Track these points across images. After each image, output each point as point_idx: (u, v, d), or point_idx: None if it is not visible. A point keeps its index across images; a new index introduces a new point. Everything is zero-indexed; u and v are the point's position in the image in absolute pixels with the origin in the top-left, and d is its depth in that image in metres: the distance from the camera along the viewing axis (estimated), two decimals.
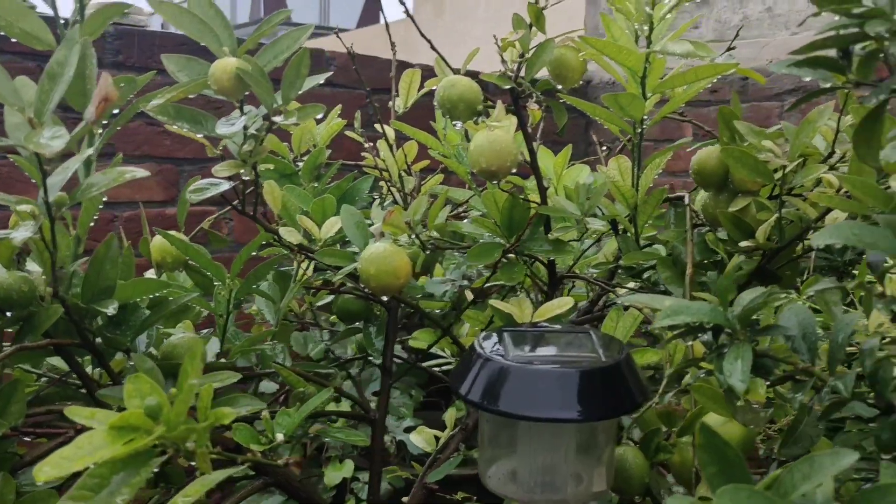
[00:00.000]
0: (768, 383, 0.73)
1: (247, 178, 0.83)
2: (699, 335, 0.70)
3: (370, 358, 1.12)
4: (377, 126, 1.11)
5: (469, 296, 1.15)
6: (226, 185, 0.83)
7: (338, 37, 1.27)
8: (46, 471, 0.56)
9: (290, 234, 0.92)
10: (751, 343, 0.66)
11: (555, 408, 0.75)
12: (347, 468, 2.04)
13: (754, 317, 0.71)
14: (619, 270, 1.10)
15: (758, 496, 0.49)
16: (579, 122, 2.93)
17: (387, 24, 1.17)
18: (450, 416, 1.24)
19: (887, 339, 0.71)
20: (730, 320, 0.67)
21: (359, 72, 1.23)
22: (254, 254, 1.00)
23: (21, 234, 0.73)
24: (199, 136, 0.80)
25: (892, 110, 0.67)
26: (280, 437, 0.82)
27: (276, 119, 0.77)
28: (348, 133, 1.23)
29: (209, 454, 0.65)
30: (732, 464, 0.53)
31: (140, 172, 0.71)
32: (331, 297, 1.19)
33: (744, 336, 0.67)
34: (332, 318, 1.19)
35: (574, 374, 0.76)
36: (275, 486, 0.95)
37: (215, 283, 0.98)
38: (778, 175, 0.93)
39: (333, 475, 2.04)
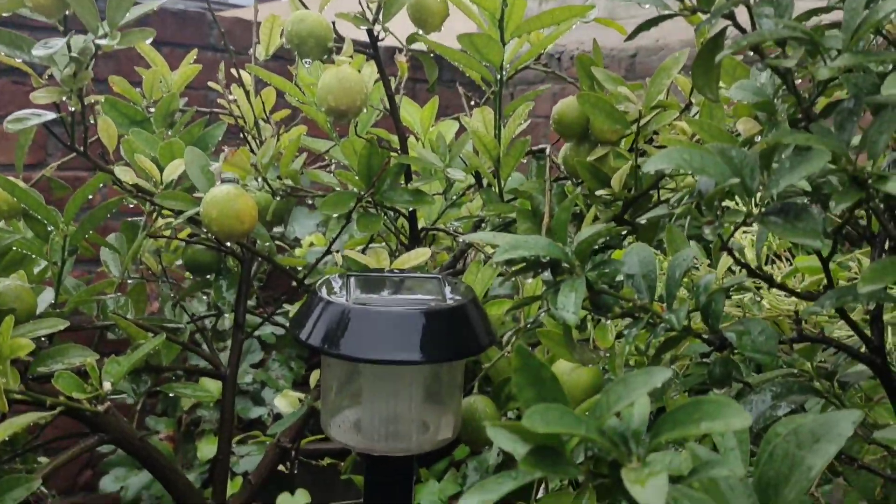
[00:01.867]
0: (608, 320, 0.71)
1: (73, 110, 0.77)
2: (539, 272, 0.68)
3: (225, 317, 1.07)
4: (233, 70, 1.06)
5: (339, 258, 1.12)
6: (49, 116, 0.77)
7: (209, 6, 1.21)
8: None
9: (124, 174, 0.86)
10: (585, 276, 0.64)
11: (397, 350, 0.72)
12: None
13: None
14: (484, 224, 1.08)
15: (569, 416, 0.47)
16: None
17: None
18: (314, 376, 1.21)
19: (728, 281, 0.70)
20: (567, 255, 0.65)
21: (217, 23, 1.17)
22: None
23: None
24: (18, 60, 0.74)
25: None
26: (107, 385, 0.77)
27: (101, 42, 0.72)
28: (211, 84, 1.17)
29: (8, 393, 0.59)
30: (549, 387, 0.51)
31: None
32: None
33: (581, 271, 0.65)
34: (187, 274, 1.14)
35: (417, 315, 0.73)
36: (112, 443, 0.89)
37: (49, 230, 0.92)
38: (635, 125, 0.92)
39: (207, 449, 1.98)
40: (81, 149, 0.83)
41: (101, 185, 0.91)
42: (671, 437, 0.46)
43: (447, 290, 0.80)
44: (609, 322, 0.81)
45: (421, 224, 1.11)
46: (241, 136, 1.11)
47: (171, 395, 0.94)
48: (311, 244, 2.27)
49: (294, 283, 1.06)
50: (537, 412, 0.47)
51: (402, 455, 0.79)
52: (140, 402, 0.97)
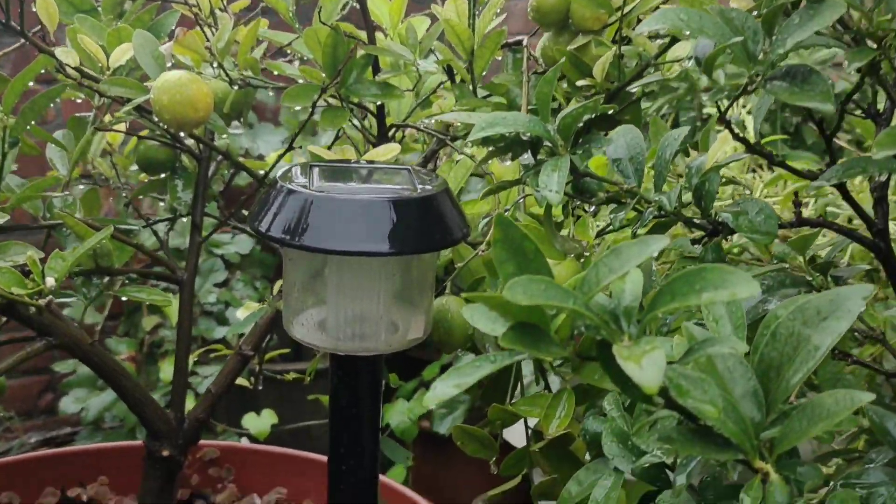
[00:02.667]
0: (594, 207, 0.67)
1: None
2: (518, 152, 0.63)
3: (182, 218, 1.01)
4: None
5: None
6: None
7: None
8: None
9: (67, 56, 0.79)
10: (570, 155, 0.59)
11: (364, 241, 0.67)
12: None
13: None
14: None
15: (554, 288, 0.43)
16: None
17: None
18: (278, 284, 1.16)
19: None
20: (549, 132, 0.60)
21: None
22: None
23: None
24: None
25: None
26: (50, 281, 0.71)
27: None
28: None
29: None
30: (532, 260, 0.46)
31: None
32: None
33: (564, 150, 0.60)
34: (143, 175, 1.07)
35: (385, 203, 0.68)
36: (60, 348, 0.84)
37: None
38: (619, 12, 0.86)
39: (169, 370, 1.94)
40: (18, 27, 0.76)
41: (43, 70, 0.84)
42: (668, 309, 0.41)
43: (417, 181, 0.74)
44: (590, 214, 0.76)
45: (389, 123, 1.04)
46: (197, 27, 1.04)
47: (125, 299, 0.88)
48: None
49: (257, 185, 1.00)
50: (519, 283, 0.42)
51: (369, 355, 0.74)
52: (100, 325, 0.92)
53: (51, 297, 0.68)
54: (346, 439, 0.76)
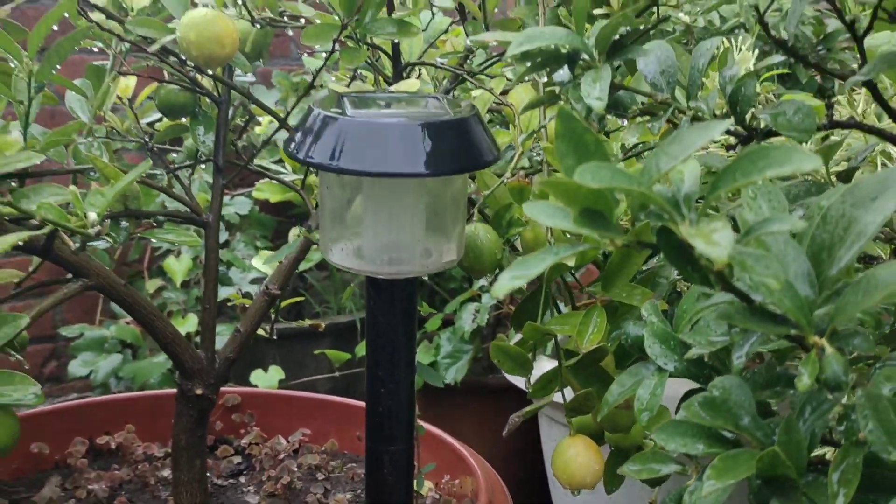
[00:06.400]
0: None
1: None
2: (554, 68, 0.64)
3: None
4: None
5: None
6: None
7: None
8: None
9: None
10: (610, 66, 0.61)
11: (400, 162, 0.69)
12: (191, 322, 1.95)
13: None
14: (472, 53, 1.04)
15: (621, 173, 0.44)
16: None
17: None
18: (293, 232, 1.17)
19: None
20: (587, 45, 0.62)
21: None
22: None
23: None
24: None
25: None
26: (92, 216, 0.72)
27: None
28: None
29: None
30: (592, 152, 0.48)
31: None
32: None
33: (602, 61, 0.62)
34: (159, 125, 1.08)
35: (418, 127, 0.70)
36: (95, 289, 0.85)
37: (13, 65, 0.85)
38: None
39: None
40: None
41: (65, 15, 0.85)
42: (732, 187, 0.43)
43: (447, 106, 0.76)
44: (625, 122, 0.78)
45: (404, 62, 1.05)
46: None
47: (154, 241, 0.89)
48: (271, 122, 2.20)
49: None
50: (588, 169, 0.44)
51: (406, 277, 0.76)
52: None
53: (99, 226, 0.69)
54: (384, 360, 0.78)
